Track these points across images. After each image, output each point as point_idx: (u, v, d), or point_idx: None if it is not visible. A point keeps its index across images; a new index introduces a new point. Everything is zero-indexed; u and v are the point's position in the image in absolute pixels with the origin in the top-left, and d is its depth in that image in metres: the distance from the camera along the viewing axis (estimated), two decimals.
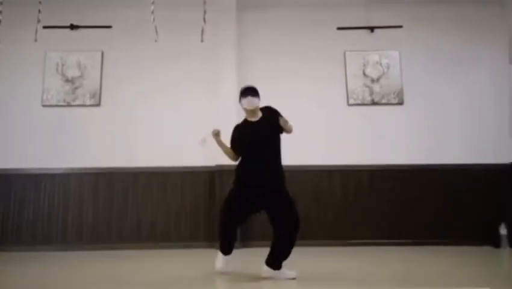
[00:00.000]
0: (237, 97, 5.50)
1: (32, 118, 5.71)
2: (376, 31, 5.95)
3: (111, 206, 5.53)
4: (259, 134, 3.36)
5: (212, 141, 5.63)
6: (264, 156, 3.33)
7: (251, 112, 3.41)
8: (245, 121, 3.50)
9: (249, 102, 3.37)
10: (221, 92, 5.67)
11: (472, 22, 6.04)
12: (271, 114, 3.43)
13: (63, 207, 5.50)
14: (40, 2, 4.89)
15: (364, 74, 5.86)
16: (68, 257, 4.74)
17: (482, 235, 5.38)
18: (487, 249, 5.11)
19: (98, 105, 5.76)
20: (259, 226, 5.40)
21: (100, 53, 5.86)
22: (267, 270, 3.20)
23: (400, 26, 5.92)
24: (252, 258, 3.96)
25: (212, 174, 5.52)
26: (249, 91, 3.40)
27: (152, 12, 4.84)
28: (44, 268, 4.04)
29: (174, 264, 4.23)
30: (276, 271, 3.19)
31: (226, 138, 5.91)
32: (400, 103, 5.81)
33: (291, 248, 3.20)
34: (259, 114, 3.44)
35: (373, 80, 5.84)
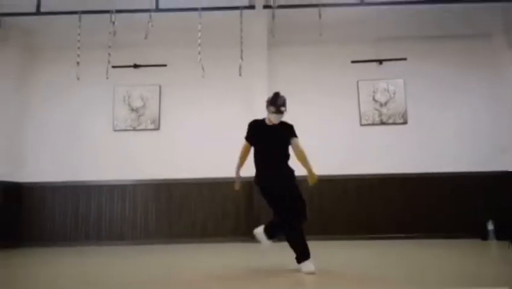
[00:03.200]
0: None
1: (106, 141, 7.02)
2: (384, 63, 7.00)
3: (170, 209, 6.78)
4: (275, 137, 3.78)
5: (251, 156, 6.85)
6: (274, 156, 3.76)
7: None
8: (264, 123, 3.88)
9: (277, 118, 3.78)
10: (256, 115, 6.79)
11: (467, 54, 7.03)
12: (287, 128, 3.84)
13: (133, 211, 6.80)
14: (109, 47, 6.08)
15: (374, 99, 6.93)
16: (138, 250, 5.89)
17: (473, 230, 6.31)
18: (476, 241, 5.99)
19: (158, 129, 7.02)
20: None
21: (158, 87, 7.09)
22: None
23: (405, 59, 6.96)
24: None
25: (251, 183, 6.59)
26: (280, 108, 3.73)
27: (199, 52, 5.86)
28: (126, 259, 5.04)
29: (225, 255, 5.27)
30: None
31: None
32: (405, 122, 6.87)
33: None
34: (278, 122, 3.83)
35: (381, 104, 6.91)
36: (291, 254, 3.82)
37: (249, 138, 3.94)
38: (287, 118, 3.94)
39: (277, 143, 3.81)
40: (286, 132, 3.83)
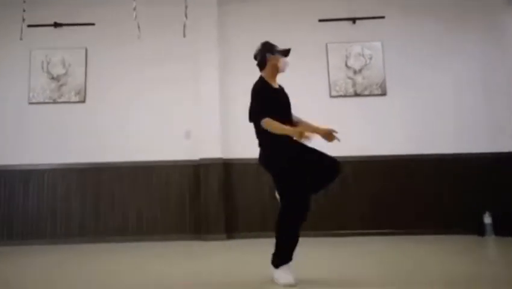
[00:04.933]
0: (218, 93, 5.74)
1: (19, 116, 5.84)
2: (358, 22, 5.94)
3: (97, 200, 5.67)
4: (287, 101, 3.09)
5: (195, 135, 5.74)
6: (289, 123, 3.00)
7: (276, 75, 3.08)
8: (268, 84, 3.06)
9: (287, 64, 3.05)
10: (204, 87, 5.77)
11: (455, 9, 6.00)
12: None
13: (51, 202, 5.65)
14: (24, 1, 5.03)
15: (347, 65, 5.87)
16: (58, 250, 4.89)
17: (468, 224, 5.42)
18: (472, 238, 5.16)
19: (83, 101, 5.87)
20: (244, 217, 5.65)
21: (84, 51, 5.95)
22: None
23: (383, 17, 5.91)
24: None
25: (197, 167, 5.64)
26: (287, 52, 3.04)
27: (134, 9, 4.93)
28: (34, 262, 4.14)
29: (163, 257, 4.34)
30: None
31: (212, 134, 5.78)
32: (383, 94, 5.82)
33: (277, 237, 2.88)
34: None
35: (355, 72, 5.84)
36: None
37: (271, 109, 2.92)
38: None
39: (289, 110, 3.11)
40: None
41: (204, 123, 5.71)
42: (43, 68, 5.89)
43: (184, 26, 5.22)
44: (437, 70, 5.91)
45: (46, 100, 5.85)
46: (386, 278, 2.93)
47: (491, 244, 4.79)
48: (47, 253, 4.73)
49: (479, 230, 5.33)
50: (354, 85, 5.82)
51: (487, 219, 5.35)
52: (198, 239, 5.47)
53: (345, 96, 5.82)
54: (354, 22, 5.93)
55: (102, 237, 5.52)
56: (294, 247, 2.84)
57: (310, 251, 4.21)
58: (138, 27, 5.20)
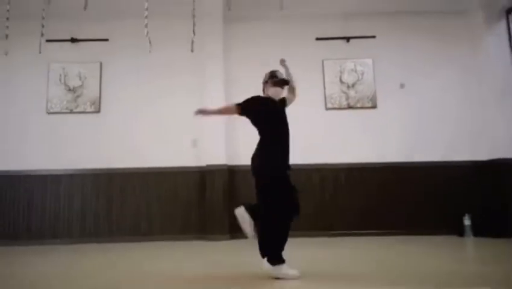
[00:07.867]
0: (222, 102, 6.09)
1: (38, 125, 6.20)
2: (351, 40, 6.39)
3: (110, 203, 6.03)
4: (284, 114, 3.37)
5: (201, 143, 6.14)
6: (288, 138, 3.31)
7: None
8: (270, 98, 3.40)
9: (277, 92, 3.37)
10: (209, 98, 6.07)
11: (439, 31, 6.47)
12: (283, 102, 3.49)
13: (68, 205, 6.00)
14: (43, 17, 5.33)
15: (341, 80, 6.31)
16: (74, 250, 5.22)
17: (449, 226, 5.84)
18: (452, 238, 5.55)
19: (98, 111, 6.24)
20: None
21: (98, 64, 6.32)
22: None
23: (374, 36, 6.39)
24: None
25: (203, 173, 6.02)
26: (280, 83, 3.37)
27: (146, 25, 5.28)
28: (51, 260, 4.45)
29: (172, 256, 4.63)
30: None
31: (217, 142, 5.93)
32: (374, 106, 6.27)
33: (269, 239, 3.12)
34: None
35: (348, 86, 6.29)
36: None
37: (248, 110, 3.36)
38: (243, 98, 3.41)
39: (288, 125, 3.36)
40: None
41: (210, 132, 6.08)
42: (60, 80, 6.26)
43: (192, 42, 5.57)
44: (422, 85, 6.36)
45: (63, 110, 6.21)
46: (371, 273, 3.19)
47: (468, 243, 5.16)
48: (61, 252, 5.04)
49: (459, 231, 5.73)
50: (347, 98, 6.28)
51: (467, 221, 5.72)
52: (203, 239, 5.82)
53: (339, 108, 6.27)
54: (348, 41, 6.39)
55: (115, 237, 5.88)
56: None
57: (303, 250, 4.64)
58: (149, 42, 5.53)
